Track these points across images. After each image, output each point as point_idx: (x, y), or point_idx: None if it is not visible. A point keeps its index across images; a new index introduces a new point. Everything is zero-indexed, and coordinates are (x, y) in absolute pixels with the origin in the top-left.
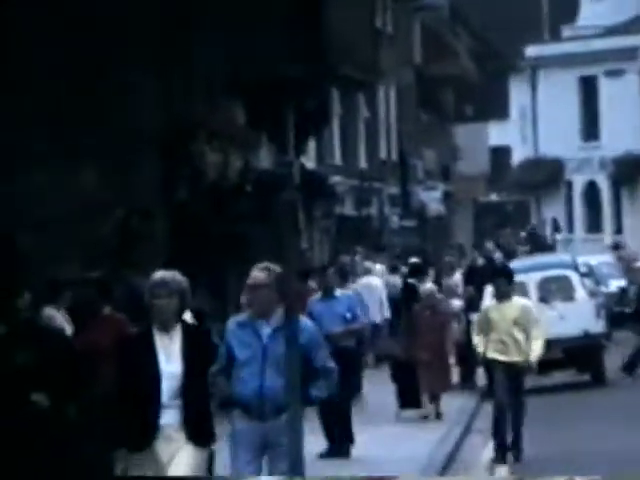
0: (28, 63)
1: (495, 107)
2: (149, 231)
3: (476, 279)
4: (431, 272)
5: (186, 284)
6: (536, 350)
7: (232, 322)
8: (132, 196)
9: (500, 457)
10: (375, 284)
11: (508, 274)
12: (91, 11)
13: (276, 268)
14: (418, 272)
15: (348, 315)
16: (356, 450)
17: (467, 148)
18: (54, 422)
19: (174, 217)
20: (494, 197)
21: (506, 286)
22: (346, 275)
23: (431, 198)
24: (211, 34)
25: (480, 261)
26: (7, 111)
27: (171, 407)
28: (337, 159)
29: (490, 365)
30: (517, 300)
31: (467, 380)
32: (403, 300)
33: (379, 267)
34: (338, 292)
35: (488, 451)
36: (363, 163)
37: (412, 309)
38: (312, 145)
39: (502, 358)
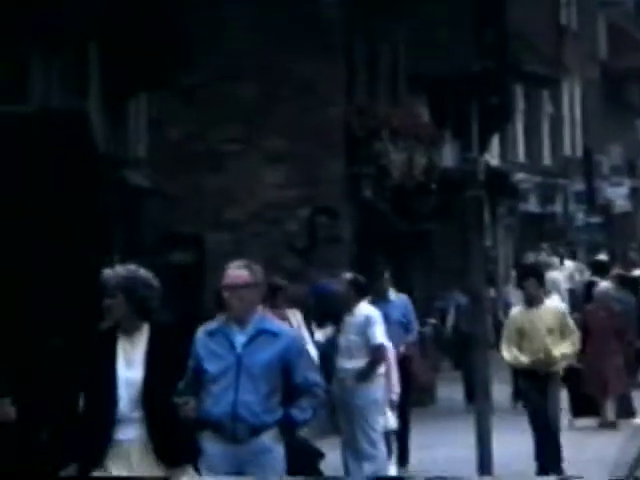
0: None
1: None
2: (335, 230)
3: None
4: (616, 269)
5: (138, 279)
6: (563, 356)
7: (201, 330)
8: (318, 195)
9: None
10: (557, 278)
11: (538, 274)
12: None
13: (258, 266)
14: (601, 270)
15: (403, 320)
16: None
17: None
18: None
19: (359, 216)
20: None
21: (536, 288)
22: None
23: (617, 194)
24: (394, 30)
25: None
26: (198, 114)
27: (131, 420)
28: (521, 156)
29: (522, 377)
30: (550, 304)
31: None
32: (585, 299)
33: (570, 264)
34: (392, 295)
35: None
36: (547, 159)
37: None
38: (495, 142)
39: (535, 368)
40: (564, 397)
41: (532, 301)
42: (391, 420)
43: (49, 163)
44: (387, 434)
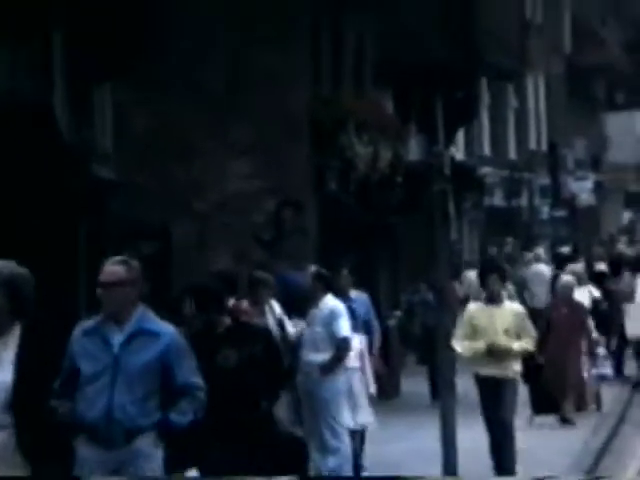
0: (185, 59)
1: None
2: (300, 222)
3: (622, 270)
4: (581, 263)
5: (21, 276)
6: (516, 351)
7: (78, 329)
8: (283, 187)
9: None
10: (543, 271)
11: (500, 270)
12: None
13: (135, 263)
14: (566, 263)
15: (364, 318)
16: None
17: (618, 137)
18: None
19: (324, 208)
20: None
21: (498, 285)
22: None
23: (582, 188)
24: (361, 19)
25: (629, 251)
26: (164, 105)
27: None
28: (486, 150)
29: (475, 378)
30: (509, 305)
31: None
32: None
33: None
34: (353, 293)
35: None
36: (512, 153)
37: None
38: (461, 136)
39: (488, 372)
40: (524, 393)
41: (493, 298)
42: (367, 415)
43: (14, 156)
44: (363, 430)
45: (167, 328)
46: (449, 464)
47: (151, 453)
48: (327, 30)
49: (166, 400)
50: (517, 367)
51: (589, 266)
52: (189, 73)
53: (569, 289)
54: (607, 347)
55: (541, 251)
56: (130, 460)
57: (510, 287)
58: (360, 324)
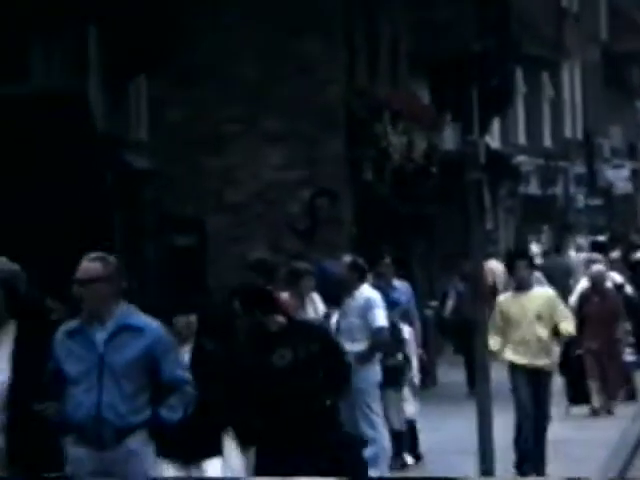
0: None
1: None
2: (335, 212)
3: None
4: (618, 252)
5: (18, 275)
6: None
7: (61, 330)
8: (318, 177)
9: (521, 472)
10: (575, 261)
11: (528, 256)
12: None
13: (113, 258)
14: (600, 251)
15: (405, 306)
16: None
17: None
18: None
19: (359, 198)
20: None
21: (527, 271)
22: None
23: (618, 176)
24: (395, 10)
25: None
26: (198, 95)
27: None
28: (522, 138)
29: (510, 369)
30: (539, 290)
31: None
32: None
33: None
34: (396, 282)
35: None
36: (548, 142)
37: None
38: (496, 124)
39: (523, 361)
40: (560, 384)
41: (522, 285)
42: (412, 407)
43: (49, 144)
44: (410, 422)
45: (151, 323)
46: (485, 454)
47: (142, 451)
48: (362, 20)
49: (155, 396)
50: (553, 357)
51: (626, 255)
52: (223, 64)
53: (601, 278)
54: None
55: (583, 241)
56: (122, 459)
57: (538, 275)
58: (402, 313)
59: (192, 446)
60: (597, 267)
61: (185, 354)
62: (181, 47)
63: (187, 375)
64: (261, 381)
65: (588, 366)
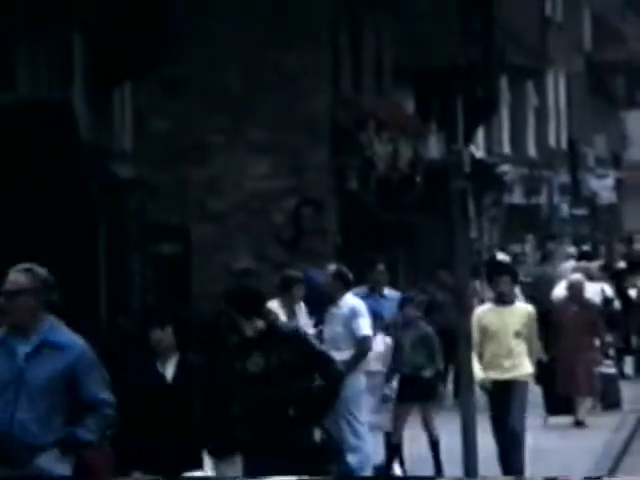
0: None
1: None
2: (320, 221)
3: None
4: (597, 261)
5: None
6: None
7: None
8: (303, 186)
9: None
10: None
11: (512, 272)
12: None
13: (41, 270)
14: (588, 260)
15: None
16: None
17: (638, 135)
18: None
19: (344, 207)
20: None
21: (510, 287)
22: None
23: (602, 186)
24: (380, 20)
25: None
26: (183, 105)
27: None
28: (506, 147)
29: (485, 384)
30: (521, 305)
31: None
32: None
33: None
34: (386, 291)
35: None
36: (532, 151)
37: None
38: (481, 134)
39: (495, 376)
40: (538, 394)
41: (503, 299)
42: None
43: (33, 153)
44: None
45: (75, 341)
46: (469, 464)
47: (55, 469)
48: (346, 30)
49: (74, 415)
50: (528, 369)
51: (609, 264)
52: (208, 74)
53: (579, 287)
54: (615, 345)
55: (572, 249)
56: (33, 478)
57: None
58: (387, 324)
59: (173, 459)
60: (576, 276)
61: (169, 368)
62: (166, 56)
63: (109, 397)
64: (238, 387)
65: (560, 376)
